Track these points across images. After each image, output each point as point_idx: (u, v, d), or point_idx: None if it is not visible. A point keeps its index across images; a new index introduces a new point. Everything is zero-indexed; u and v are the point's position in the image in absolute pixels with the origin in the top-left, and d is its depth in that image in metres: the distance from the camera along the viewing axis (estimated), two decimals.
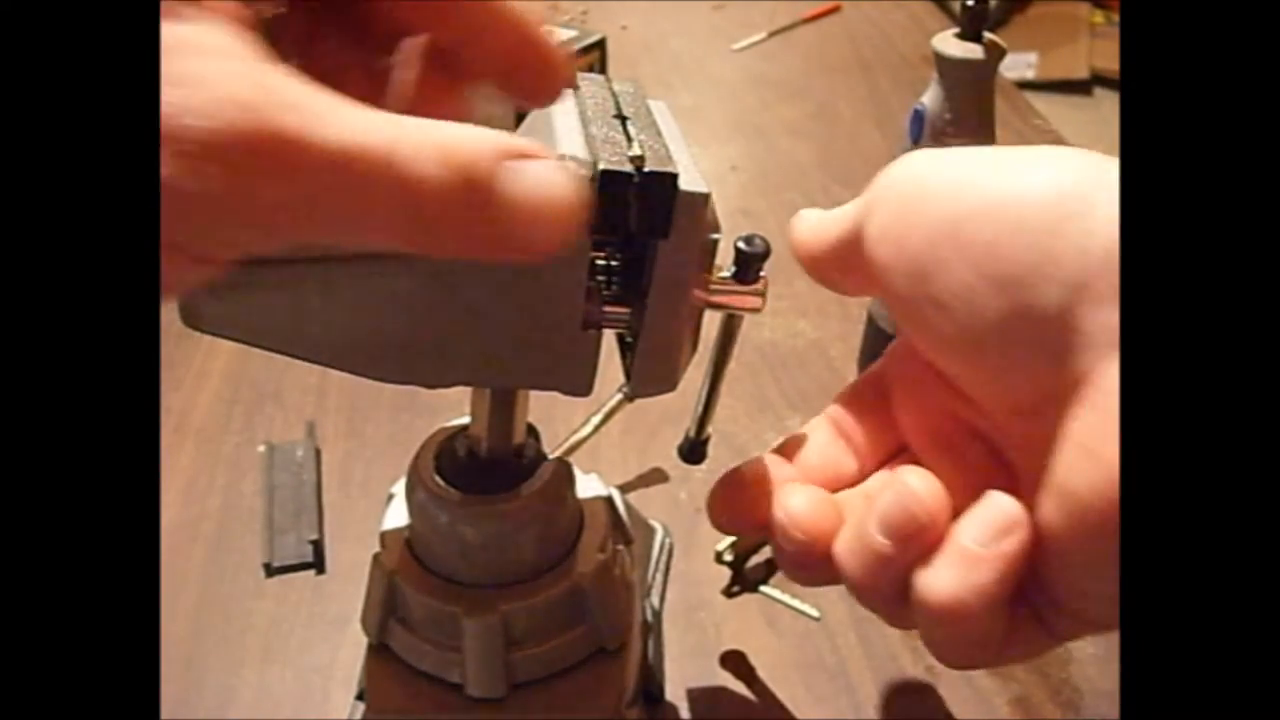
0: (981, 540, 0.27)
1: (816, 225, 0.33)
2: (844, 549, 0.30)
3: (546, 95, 0.28)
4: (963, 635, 0.28)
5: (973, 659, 0.29)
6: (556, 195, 0.23)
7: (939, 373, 0.31)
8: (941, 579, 0.27)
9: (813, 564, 0.31)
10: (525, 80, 0.27)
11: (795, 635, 0.50)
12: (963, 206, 0.28)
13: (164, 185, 0.19)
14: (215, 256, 0.21)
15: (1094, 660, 0.48)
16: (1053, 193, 0.26)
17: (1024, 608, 0.28)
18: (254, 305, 0.28)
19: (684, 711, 0.47)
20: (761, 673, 0.48)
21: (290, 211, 0.21)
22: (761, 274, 0.33)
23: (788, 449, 0.34)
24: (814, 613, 0.50)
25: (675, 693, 0.47)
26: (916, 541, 0.28)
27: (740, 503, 0.33)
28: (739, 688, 0.47)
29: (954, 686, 0.47)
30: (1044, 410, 0.27)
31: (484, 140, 0.22)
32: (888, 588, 0.29)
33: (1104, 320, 0.25)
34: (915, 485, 0.28)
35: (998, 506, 0.27)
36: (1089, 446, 0.25)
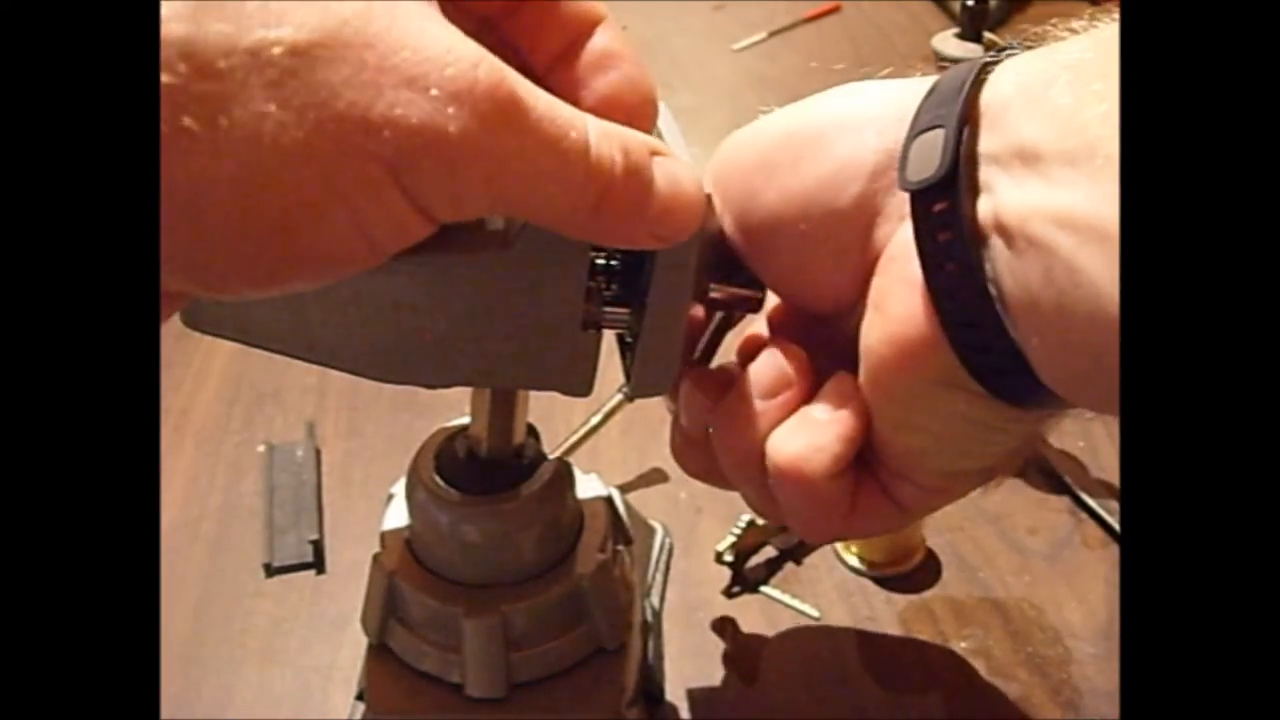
0: (824, 410, 0.32)
1: None
2: (721, 413, 0.34)
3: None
4: (810, 496, 0.32)
5: (826, 525, 0.33)
6: (690, 189, 0.27)
7: (798, 319, 0.35)
8: (790, 439, 0.32)
9: (702, 437, 0.35)
10: (617, 117, 0.28)
11: (795, 635, 0.50)
12: (768, 141, 0.32)
13: (409, 125, 0.20)
14: (434, 209, 0.22)
15: (1094, 660, 0.48)
16: (846, 109, 0.31)
17: (869, 478, 0.32)
18: (254, 305, 0.28)
19: (684, 711, 0.47)
20: (761, 673, 0.48)
21: (511, 173, 0.22)
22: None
23: None
24: (814, 613, 0.50)
25: (675, 693, 0.47)
26: (781, 399, 0.32)
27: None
28: (739, 688, 0.47)
29: (954, 686, 0.47)
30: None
31: (636, 135, 0.25)
32: (757, 454, 0.32)
33: (897, 200, 0.29)
34: (781, 351, 0.33)
35: (838, 381, 0.32)
36: (876, 303, 0.30)
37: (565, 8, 0.28)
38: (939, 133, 0.28)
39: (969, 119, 0.28)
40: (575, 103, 0.28)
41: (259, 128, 0.19)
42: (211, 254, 0.21)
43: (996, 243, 0.27)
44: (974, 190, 0.27)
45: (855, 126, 0.30)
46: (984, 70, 0.28)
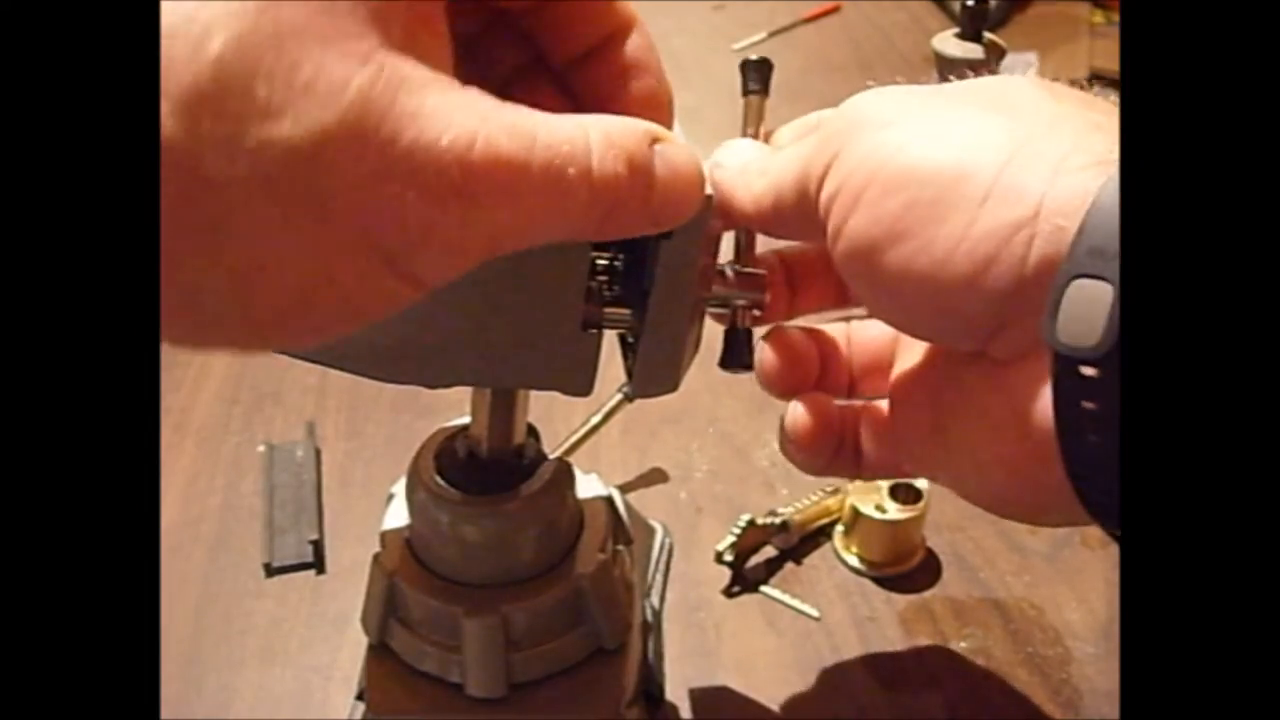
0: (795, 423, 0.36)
1: (759, 174, 0.33)
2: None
3: None
4: (795, 448, 0.37)
5: (804, 466, 0.37)
6: (689, 175, 0.26)
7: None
8: (796, 412, 0.36)
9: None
10: (632, 112, 0.27)
11: (795, 635, 0.50)
12: (898, 205, 0.28)
13: (407, 222, 0.20)
14: (431, 282, 0.22)
15: (1094, 660, 0.48)
16: (998, 202, 0.26)
17: (851, 453, 0.36)
18: None
19: (684, 711, 0.47)
20: (761, 673, 0.48)
21: (512, 229, 0.22)
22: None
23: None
24: (814, 613, 0.50)
25: (675, 693, 0.47)
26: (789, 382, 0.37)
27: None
28: (739, 688, 0.47)
29: (954, 686, 0.47)
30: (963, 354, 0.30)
31: (637, 128, 0.25)
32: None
33: (1032, 324, 0.26)
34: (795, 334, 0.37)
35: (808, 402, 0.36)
36: (996, 434, 0.28)
37: (598, 8, 0.27)
38: (1105, 289, 0.24)
39: None
40: (592, 104, 0.27)
41: (257, 230, 0.20)
42: (204, 331, 0.21)
43: None
44: None
45: (1005, 226, 0.26)
46: None
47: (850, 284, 0.31)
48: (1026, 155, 0.26)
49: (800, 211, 0.31)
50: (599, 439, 0.54)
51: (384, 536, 0.38)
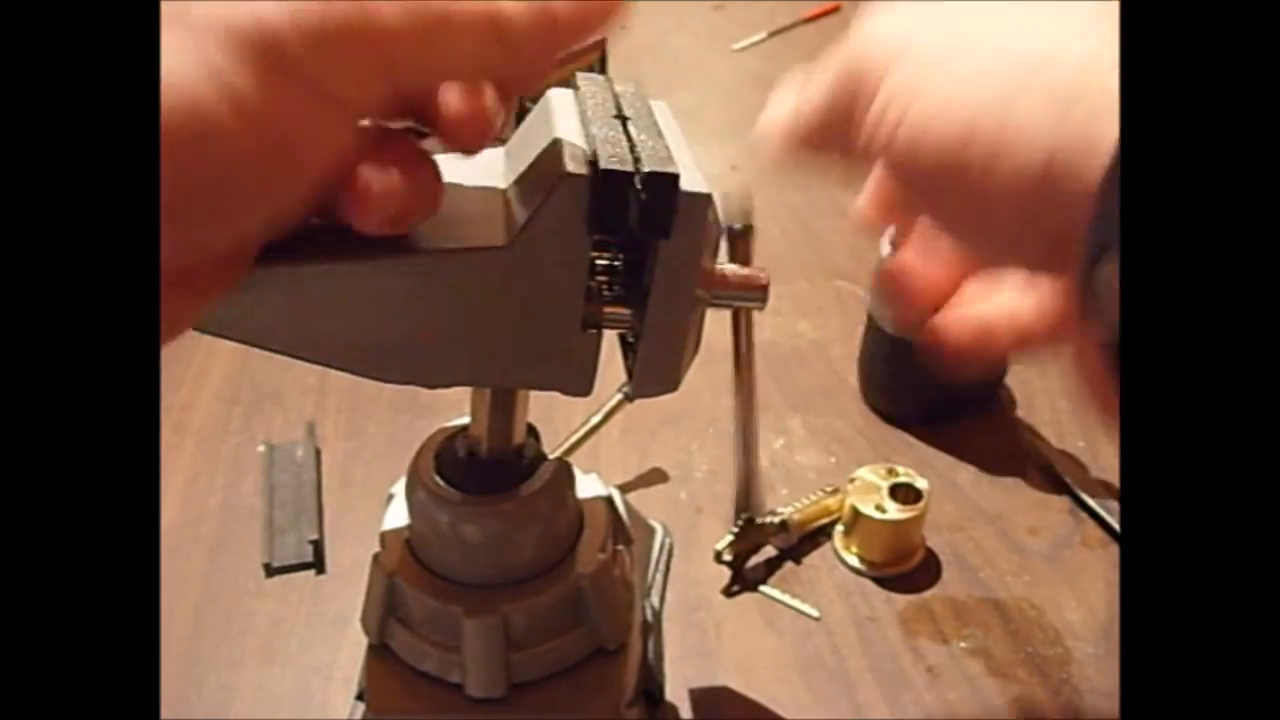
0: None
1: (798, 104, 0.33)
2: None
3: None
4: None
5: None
6: None
7: None
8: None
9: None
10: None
11: (795, 635, 0.50)
12: (952, 144, 0.27)
13: (291, 28, 0.21)
14: (358, 100, 0.23)
15: (1094, 660, 0.48)
16: (1044, 145, 0.26)
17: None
18: (254, 305, 0.28)
19: (684, 711, 0.47)
20: (761, 673, 0.48)
21: (416, 61, 0.23)
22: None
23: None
24: (814, 613, 0.50)
25: (675, 693, 0.47)
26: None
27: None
28: (739, 688, 0.47)
29: (954, 686, 0.47)
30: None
31: None
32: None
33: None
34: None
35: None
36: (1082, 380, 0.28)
37: None
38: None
39: None
40: None
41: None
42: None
43: None
44: None
45: (1049, 180, 0.26)
46: None
47: (911, 190, 0.30)
48: (1062, 101, 0.26)
49: (837, 134, 0.31)
50: (599, 439, 0.54)
51: (384, 536, 0.38)
